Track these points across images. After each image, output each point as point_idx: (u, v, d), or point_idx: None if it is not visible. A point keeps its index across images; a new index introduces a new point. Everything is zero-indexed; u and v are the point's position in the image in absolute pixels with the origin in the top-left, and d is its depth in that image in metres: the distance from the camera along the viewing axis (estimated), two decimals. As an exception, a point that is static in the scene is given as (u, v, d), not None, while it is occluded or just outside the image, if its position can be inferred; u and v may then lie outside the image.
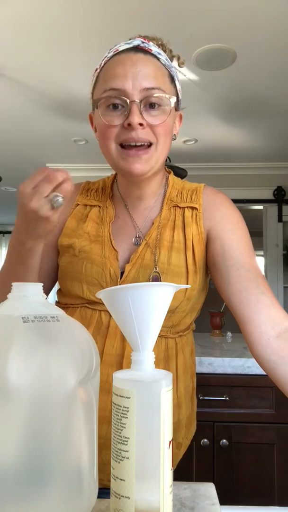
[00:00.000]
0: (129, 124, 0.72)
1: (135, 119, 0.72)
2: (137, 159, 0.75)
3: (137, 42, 0.77)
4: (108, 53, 0.78)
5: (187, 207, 0.85)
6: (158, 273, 0.79)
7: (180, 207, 0.85)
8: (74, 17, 1.90)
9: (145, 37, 0.80)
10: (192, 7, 1.82)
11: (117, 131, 0.74)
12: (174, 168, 2.98)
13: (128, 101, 0.72)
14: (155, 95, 0.74)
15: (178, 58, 0.85)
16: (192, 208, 0.84)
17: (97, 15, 1.88)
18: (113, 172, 0.92)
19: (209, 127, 3.14)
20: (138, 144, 0.74)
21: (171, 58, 0.84)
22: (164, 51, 0.81)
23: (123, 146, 0.76)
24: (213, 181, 3.93)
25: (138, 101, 0.73)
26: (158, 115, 0.75)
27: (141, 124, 0.73)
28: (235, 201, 3.79)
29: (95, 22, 1.93)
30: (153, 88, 0.73)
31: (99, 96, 0.76)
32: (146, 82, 0.73)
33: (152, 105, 0.74)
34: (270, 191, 4.02)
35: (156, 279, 0.79)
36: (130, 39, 0.81)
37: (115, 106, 0.74)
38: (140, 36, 0.81)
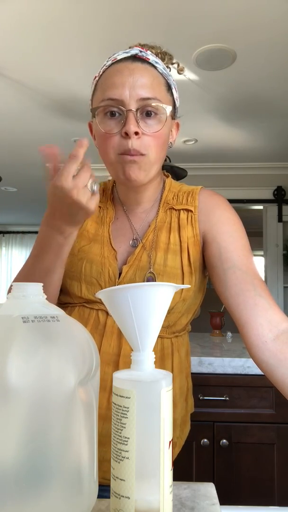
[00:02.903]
0: (126, 133, 0.74)
1: (131, 127, 0.73)
2: (133, 165, 0.76)
3: (135, 51, 0.78)
4: (107, 61, 0.79)
5: (183, 209, 0.86)
6: (153, 273, 0.80)
7: (175, 210, 0.86)
8: (74, 17, 1.90)
9: (143, 46, 0.82)
10: (192, 7, 1.82)
11: (115, 140, 0.76)
12: (174, 168, 2.98)
13: (125, 110, 0.74)
14: (152, 104, 0.75)
15: (178, 65, 0.87)
16: (187, 210, 0.85)
17: (97, 15, 1.88)
18: None
19: (209, 127, 3.14)
20: (134, 154, 0.76)
21: (171, 64, 0.85)
22: (164, 59, 0.83)
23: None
24: (213, 181, 3.93)
25: (135, 110, 0.74)
26: (153, 124, 0.77)
27: (136, 133, 0.74)
28: (235, 201, 3.82)
29: (95, 22, 1.93)
30: (149, 98, 0.75)
31: (97, 105, 0.78)
32: (142, 91, 0.75)
33: (148, 114, 0.76)
34: (270, 191, 4.02)
35: (151, 279, 0.80)
36: (129, 47, 0.82)
37: (112, 114, 0.76)
38: (138, 45, 0.82)
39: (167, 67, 0.84)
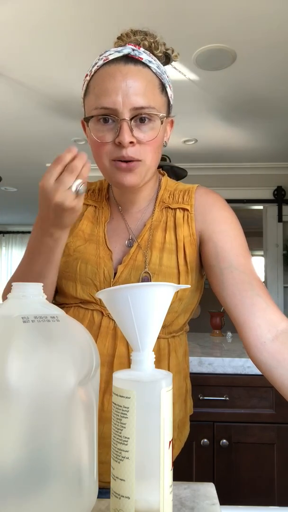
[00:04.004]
0: (120, 143, 0.73)
1: (126, 138, 0.72)
2: (128, 172, 0.76)
3: (127, 50, 0.76)
4: (98, 60, 0.78)
5: (179, 208, 0.85)
6: (148, 273, 0.80)
7: (171, 208, 0.86)
8: (75, 17, 1.90)
9: (136, 39, 0.79)
10: (192, 7, 1.82)
11: (109, 148, 0.75)
12: (174, 168, 2.98)
13: (118, 119, 0.73)
14: (146, 112, 0.74)
15: (172, 51, 0.84)
16: (184, 209, 0.85)
17: (97, 15, 1.88)
18: None
19: (209, 127, 3.13)
20: (128, 160, 0.75)
21: (165, 51, 0.82)
22: (157, 48, 0.80)
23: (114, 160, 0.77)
24: (213, 181, 3.93)
25: (128, 119, 0.73)
26: (148, 130, 0.75)
27: (131, 142, 0.73)
28: (235, 201, 3.83)
29: (95, 23, 1.93)
30: (142, 108, 0.74)
31: (90, 112, 0.77)
32: (136, 99, 0.73)
33: (142, 120, 0.75)
34: (270, 191, 4.02)
35: (146, 279, 0.79)
36: (121, 35, 0.80)
37: (105, 120, 0.75)
38: (131, 38, 0.80)
39: (162, 55, 0.81)
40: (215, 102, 2.72)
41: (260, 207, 4.15)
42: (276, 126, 3.09)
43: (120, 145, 0.74)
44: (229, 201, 0.88)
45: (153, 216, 0.86)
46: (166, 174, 0.93)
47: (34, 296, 0.49)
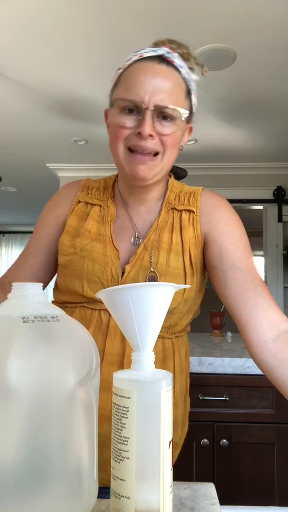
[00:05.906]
0: (140, 133, 0.75)
1: (147, 129, 0.74)
2: (143, 164, 0.77)
3: (162, 51, 0.79)
4: (133, 56, 0.80)
5: (184, 210, 0.86)
6: (154, 273, 0.80)
7: (177, 210, 0.87)
8: (75, 18, 1.90)
9: (170, 46, 0.81)
10: (192, 7, 1.82)
11: (128, 134, 0.77)
12: (174, 168, 2.98)
13: (143, 107, 0.75)
14: (169, 108, 0.76)
15: (202, 66, 0.87)
16: (189, 211, 0.86)
17: (98, 16, 1.88)
18: (114, 172, 0.93)
19: (209, 127, 3.13)
20: (145, 152, 0.77)
21: (196, 65, 0.86)
22: (188, 60, 0.83)
23: (130, 150, 0.78)
24: (213, 181, 3.93)
25: (153, 108, 0.75)
26: (168, 126, 0.77)
27: (151, 135, 0.75)
28: (235, 201, 3.83)
29: (96, 23, 1.93)
30: (167, 107, 0.76)
31: (116, 101, 0.78)
32: (163, 97, 0.76)
33: (165, 117, 0.77)
34: (270, 191, 4.02)
35: (152, 279, 0.80)
36: (156, 41, 0.83)
37: (130, 110, 0.77)
38: (167, 42, 0.82)
39: (191, 68, 0.84)
40: (215, 102, 2.72)
41: (260, 207, 4.15)
42: (276, 126, 3.09)
43: (139, 136, 0.75)
44: (229, 201, 0.89)
45: (160, 217, 0.86)
46: (172, 176, 0.94)
47: (34, 296, 0.49)
